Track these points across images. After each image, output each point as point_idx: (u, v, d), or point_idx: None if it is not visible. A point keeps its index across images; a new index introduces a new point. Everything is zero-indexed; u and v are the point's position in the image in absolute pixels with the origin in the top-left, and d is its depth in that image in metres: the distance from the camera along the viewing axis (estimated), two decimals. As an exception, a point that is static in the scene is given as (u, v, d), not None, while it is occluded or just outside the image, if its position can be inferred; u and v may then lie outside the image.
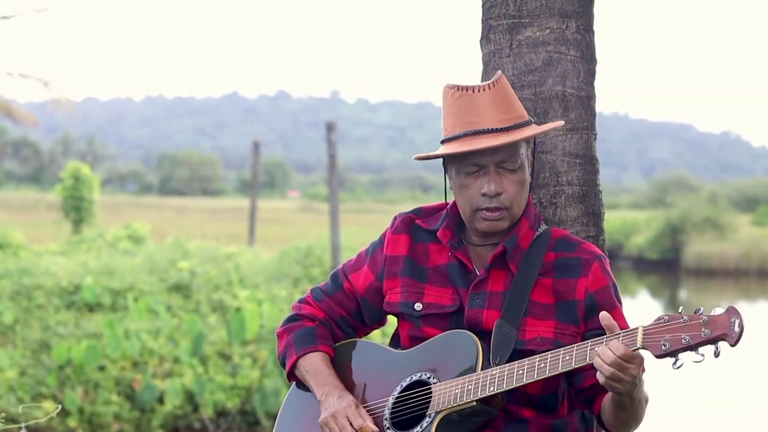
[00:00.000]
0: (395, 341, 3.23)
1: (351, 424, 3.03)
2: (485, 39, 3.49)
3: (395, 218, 3.25)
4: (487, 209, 3.00)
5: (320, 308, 3.28)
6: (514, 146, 3.00)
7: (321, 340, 3.23)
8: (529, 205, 3.10)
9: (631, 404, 2.86)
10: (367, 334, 3.34)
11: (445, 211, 3.17)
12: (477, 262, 3.09)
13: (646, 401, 2.93)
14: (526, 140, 3.04)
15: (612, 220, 42.21)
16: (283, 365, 3.27)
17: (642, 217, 45.39)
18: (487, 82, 3.02)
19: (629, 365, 2.73)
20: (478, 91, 3.00)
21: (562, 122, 3.18)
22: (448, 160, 3.07)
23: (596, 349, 2.77)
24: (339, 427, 3.03)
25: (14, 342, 11.64)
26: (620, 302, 3.06)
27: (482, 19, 3.50)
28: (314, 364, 3.20)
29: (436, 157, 3.06)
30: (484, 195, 2.99)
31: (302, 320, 3.29)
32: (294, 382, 3.30)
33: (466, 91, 3.01)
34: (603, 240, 3.48)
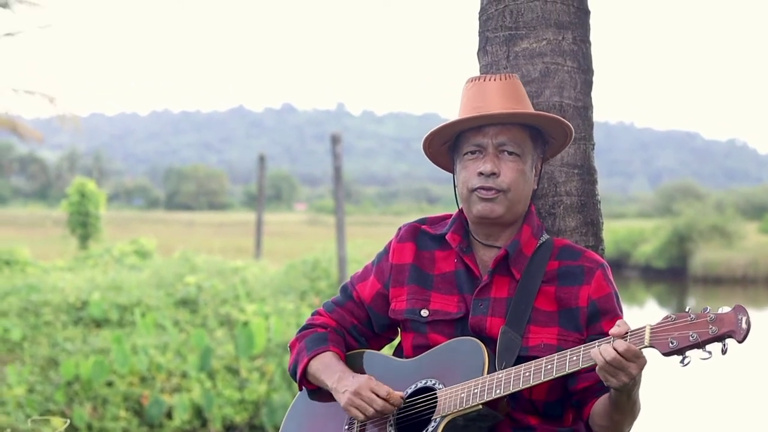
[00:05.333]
0: (398, 353, 3.24)
1: (377, 394, 3.03)
2: (482, 51, 3.51)
3: (400, 228, 3.29)
4: (482, 187, 3.04)
5: (332, 318, 3.31)
6: (514, 131, 3.06)
7: (332, 344, 3.24)
8: (531, 213, 3.13)
9: (627, 403, 2.87)
10: (381, 345, 3.34)
11: (452, 217, 3.20)
12: (482, 268, 3.12)
13: (639, 408, 2.94)
14: (529, 118, 3.06)
15: (619, 229, 42.18)
16: (294, 375, 3.26)
17: (649, 225, 45.27)
18: (500, 74, 3.12)
19: (629, 363, 2.75)
20: (490, 80, 3.09)
21: (569, 125, 3.17)
22: (454, 147, 3.13)
23: (600, 346, 2.78)
24: (367, 402, 3.03)
25: (22, 359, 11.66)
26: (621, 311, 3.07)
27: (479, 32, 3.53)
28: (325, 361, 3.20)
29: (440, 130, 3.10)
30: (480, 174, 3.04)
31: (314, 328, 3.31)
32: (300, 391, 3.30)
33: (479, 80, 3.11)
34: (602, 249, 3.49)
